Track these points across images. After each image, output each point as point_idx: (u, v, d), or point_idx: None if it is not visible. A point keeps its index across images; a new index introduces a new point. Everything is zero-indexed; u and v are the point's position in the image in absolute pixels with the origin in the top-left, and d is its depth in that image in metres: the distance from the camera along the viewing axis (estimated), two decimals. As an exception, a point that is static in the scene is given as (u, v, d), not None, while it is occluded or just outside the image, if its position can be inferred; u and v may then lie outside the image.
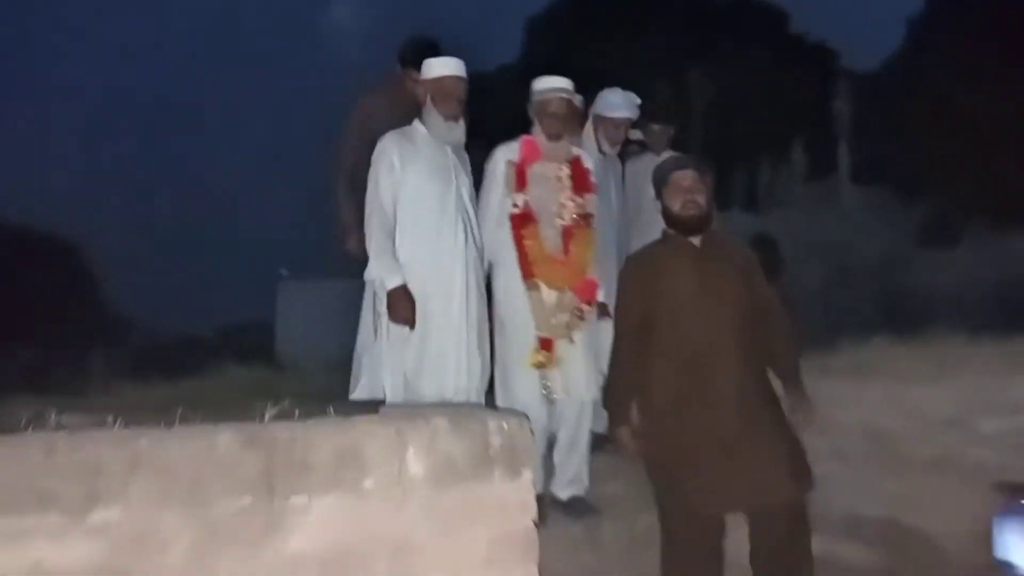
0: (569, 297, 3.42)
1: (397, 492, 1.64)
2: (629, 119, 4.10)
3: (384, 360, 3.29)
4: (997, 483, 3.01)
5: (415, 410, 1.78)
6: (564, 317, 3.41)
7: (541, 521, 2.94)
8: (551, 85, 3.58)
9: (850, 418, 3.75)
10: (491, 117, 4.32)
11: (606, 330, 3.31)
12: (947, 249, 11.38)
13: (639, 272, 2.97)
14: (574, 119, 3.91)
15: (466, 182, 3.47)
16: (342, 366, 3.76)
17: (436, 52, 3.66)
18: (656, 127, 4.48)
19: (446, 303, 3.30)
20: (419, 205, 3.30)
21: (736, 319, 2.77)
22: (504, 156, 3.56)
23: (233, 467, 1.59)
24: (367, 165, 3.42)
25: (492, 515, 1.68)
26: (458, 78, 3.39)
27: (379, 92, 4.01)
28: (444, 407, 2.04)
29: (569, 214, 3.49)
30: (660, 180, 2.98)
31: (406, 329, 3.24)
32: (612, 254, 3.93)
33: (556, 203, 3.48)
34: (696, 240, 2.90)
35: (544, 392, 3.37)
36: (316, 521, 1.61)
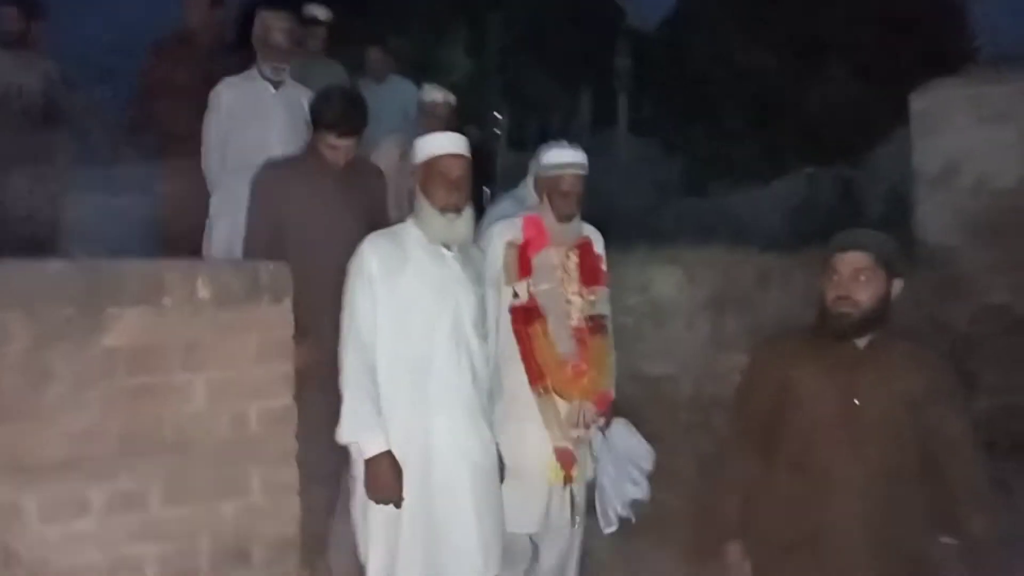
0: (589, 408, 2.90)
1: (188, 308, 2.30)
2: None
3: (363, 539, 2.61)
4: None
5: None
6: (581, 430, 2.90)
7: None
8: (565, 160, 2.94)
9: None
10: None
11: None
12: (697, 199, 13.19)
13: (772, 358, 2.35)
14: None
15: (470, 299, 2.68)
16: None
17: (363, 110, 3.09)
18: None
19: (442, 474, 2.57)
20: (401, 335, 2.58)
21: (887, 453, 2.17)
22: (503, 236, 2.93)
23: (62, 285, 2.18)
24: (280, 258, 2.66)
25: (260, 327, 2.39)
26: (455, 156, 2.64)
27: (286, 165, 3.24)
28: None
29: (577, 312, 2.94)
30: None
31: (389, 507, 2.53)
32: None
33: (564, 298, 2.92)
34: (852, 344, 2.22)
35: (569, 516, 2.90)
36: (126, 326, 2.24)
